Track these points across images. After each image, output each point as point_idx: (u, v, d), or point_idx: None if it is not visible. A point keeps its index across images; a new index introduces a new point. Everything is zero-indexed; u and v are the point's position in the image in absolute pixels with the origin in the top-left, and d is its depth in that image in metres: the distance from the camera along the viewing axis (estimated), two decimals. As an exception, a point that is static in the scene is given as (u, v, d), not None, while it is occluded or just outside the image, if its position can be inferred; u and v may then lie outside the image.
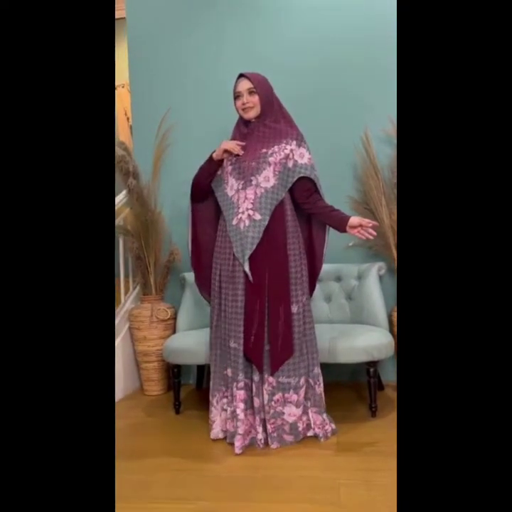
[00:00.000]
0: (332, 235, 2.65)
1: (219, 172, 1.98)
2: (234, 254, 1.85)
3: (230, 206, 1.90)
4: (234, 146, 1.89)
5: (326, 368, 2.08)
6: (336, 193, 2.70)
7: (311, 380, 1.88)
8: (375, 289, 2.42)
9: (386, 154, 2.59)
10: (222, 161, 1.95)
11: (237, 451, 1.75)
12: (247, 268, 1.82)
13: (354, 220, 1.85)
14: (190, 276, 2.70)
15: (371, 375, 2.07)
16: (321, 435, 1.84)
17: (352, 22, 2.71)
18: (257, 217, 1.83)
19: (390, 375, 2.57)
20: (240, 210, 1.85)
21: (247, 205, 1.84)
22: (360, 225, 1.85)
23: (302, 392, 1.85)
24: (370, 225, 1.85)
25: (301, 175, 1.88)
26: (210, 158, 1.96)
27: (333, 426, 1.90)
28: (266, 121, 1.92)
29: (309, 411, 1.88)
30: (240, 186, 1.88)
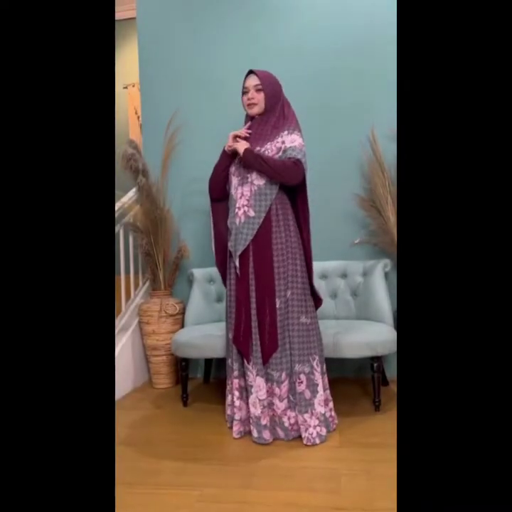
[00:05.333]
0: (338, 232, 2.71)
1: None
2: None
3: (232, 203, 1.94)
4: (241, 131, 1.94)
5: (331, 363, 2.11)
6: (342, 191, 2.74)
7: (292, 377, 1.83)
8: (381, 285, 2.45)
9: (392, 152, 2.61)
10: (234, 154, 1.96)
11: (235, 435, 1.83)
12: (237, 263, 1.87)
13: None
14: (198, 272, 2.75)
15: (375, 370, 2.10)
16: (294, 435, 1.82)
17: (360, 23, 2.73)
18: (251, 214, 1.86)
19: (394, 371, 2.59)
20: (237, 206, 1.89)
21: (243, 201, 1.88)
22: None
23: (284, 387, 1.81)
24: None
25: (289, 156, 1.84)
26: (223, 152, 1.99)
27: (322, 430, 1.81)
28: (268, 118, 1.93)
29: (290, 409, 1.84)
30: (238, 183, 1.92)
